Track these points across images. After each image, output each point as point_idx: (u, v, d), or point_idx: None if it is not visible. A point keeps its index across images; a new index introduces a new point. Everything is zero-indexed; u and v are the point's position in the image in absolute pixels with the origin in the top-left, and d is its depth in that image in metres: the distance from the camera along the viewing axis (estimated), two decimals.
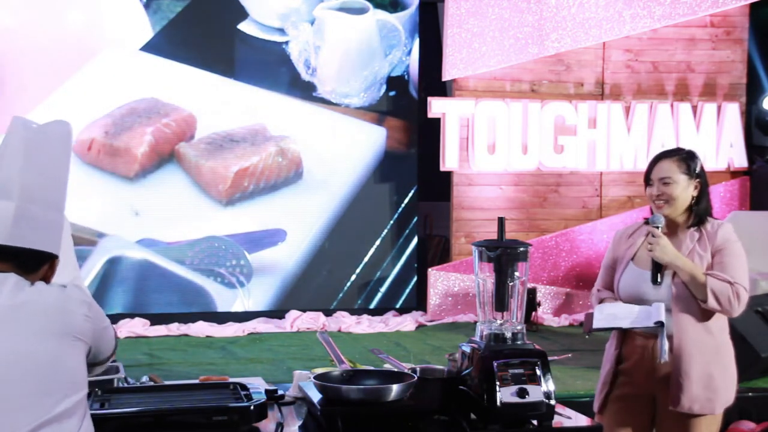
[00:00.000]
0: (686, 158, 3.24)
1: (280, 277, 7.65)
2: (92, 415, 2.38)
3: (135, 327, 7.17)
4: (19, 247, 1.97)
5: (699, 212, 3.23)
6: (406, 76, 7.96)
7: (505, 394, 2.59)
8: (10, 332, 1.91)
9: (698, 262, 3.15)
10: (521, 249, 2.79)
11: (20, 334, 1.91)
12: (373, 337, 7.19)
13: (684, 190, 3.20)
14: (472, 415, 2.68)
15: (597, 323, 3.14)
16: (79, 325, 1.98)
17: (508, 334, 2.74)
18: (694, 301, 3.14)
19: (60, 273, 3.03)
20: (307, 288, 7.72)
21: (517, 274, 2.78)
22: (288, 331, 7.35)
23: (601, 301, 3.29)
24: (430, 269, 7.81)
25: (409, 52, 7.94)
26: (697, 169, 3.23)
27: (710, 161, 7.91)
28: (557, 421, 2.69)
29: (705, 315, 3.15)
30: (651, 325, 3.06)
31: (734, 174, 8.20)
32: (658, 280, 3.16)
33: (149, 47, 7.48)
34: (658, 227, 3.16)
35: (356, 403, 2.56)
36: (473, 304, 6.05)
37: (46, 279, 2.04)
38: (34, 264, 2.01)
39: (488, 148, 7.75)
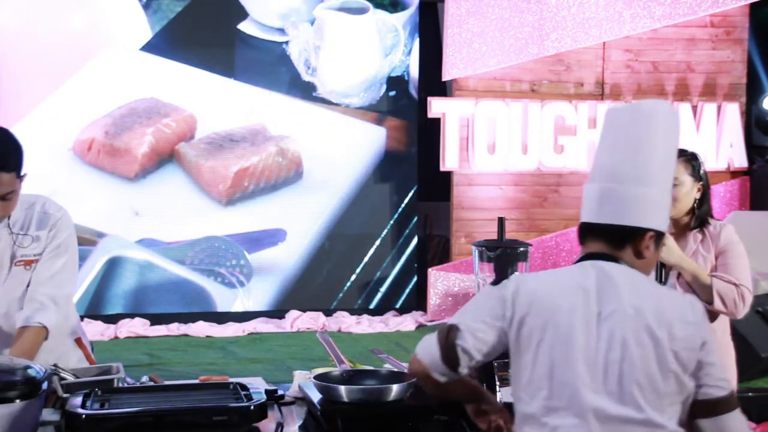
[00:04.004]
0: (691, 160, 3.24)
1: (280, 277, 7.65)
2: (92, 416, 2.39)
3: (135, 327, 7.17)
4: (606, 224, 2.14)
5: (701, 215, 3.22)
6: (406, 76, 7.96)
7: (505, 394, 2.59)
8: None
9: (702, 263, 3.15)
10: (521, 249, 2.80)
11: None
12: (373, 337, 7.19)
13: (688, 192, 3.20)
14: None
15: None
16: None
17: None
18: None
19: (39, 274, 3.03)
20: (307, 288, 7.72)
21: (517, 274, 2.78)
22: (288, 331, 7.35)
23: None
24: (430, 269, 7.81)
25: (409, 52, 7.93)
26: (701, 172, 3.24)
27: (710, 161, 7.90)
28: None
29: (708, 316, 3.15)
30: None
31: (734, 174, 8.20)
32: (662, 280, 3.16)
33: (149, 47, 7.47)
34: None
35: (356, 403, 2.57)
36: None
37: (639, 253, 2.16)
38: (620, 239, 2.15)
39: (488, 148, 7.75)
